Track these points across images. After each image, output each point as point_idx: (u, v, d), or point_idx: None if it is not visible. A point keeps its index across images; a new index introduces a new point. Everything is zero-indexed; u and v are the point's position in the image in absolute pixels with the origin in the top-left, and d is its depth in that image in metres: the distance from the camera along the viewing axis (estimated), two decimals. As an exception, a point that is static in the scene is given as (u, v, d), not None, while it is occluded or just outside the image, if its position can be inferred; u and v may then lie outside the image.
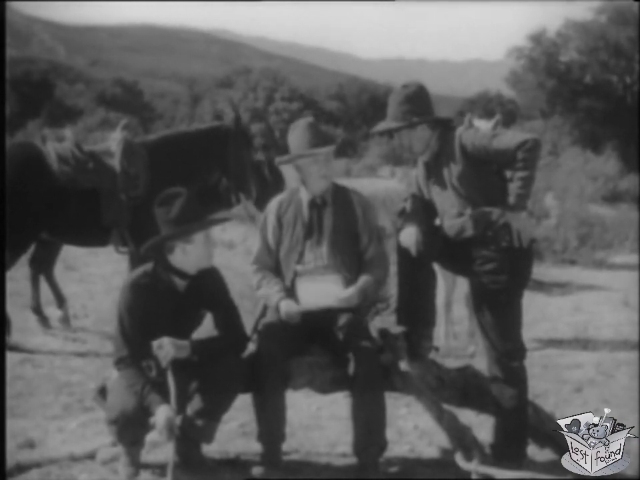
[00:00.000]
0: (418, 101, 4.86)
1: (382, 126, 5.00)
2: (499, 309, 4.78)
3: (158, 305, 4.64)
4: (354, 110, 56.54)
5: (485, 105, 50.78)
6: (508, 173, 4.76)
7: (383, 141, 36.23)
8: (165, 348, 4.53)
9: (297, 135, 5.00)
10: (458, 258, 4.91)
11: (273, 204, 5.15)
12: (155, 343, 4.54)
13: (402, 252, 4.98)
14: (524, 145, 4.59)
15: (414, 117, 4.83)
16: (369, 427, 4.78)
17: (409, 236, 4.91)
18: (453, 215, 4.86)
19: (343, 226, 5.01)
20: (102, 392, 4.88)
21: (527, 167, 4.62)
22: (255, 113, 42.86)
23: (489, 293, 4.79)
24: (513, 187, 4.68)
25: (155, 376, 4.63)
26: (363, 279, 4.93)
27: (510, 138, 4.67)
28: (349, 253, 5.00)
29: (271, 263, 5.09)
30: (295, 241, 5.00)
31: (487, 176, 4.78)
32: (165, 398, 4.46)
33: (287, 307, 4.86)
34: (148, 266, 4.73)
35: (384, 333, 5.07)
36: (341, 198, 5.09)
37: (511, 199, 4.68)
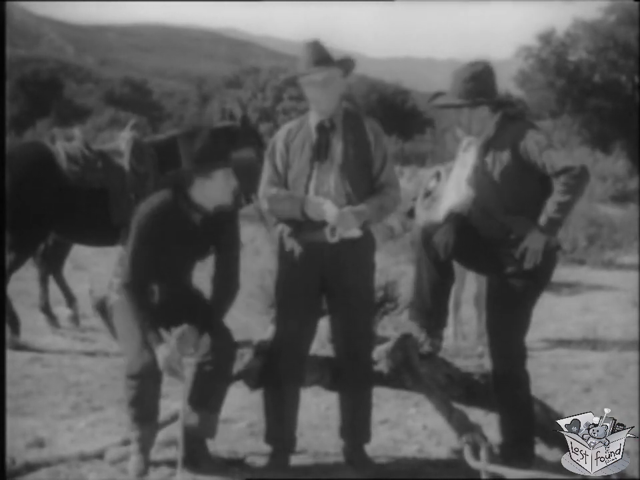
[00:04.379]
0: (483, 80, 4.75)
1: (443, 100, 4.88)
2: (512, 310, 4.75)
3: (172, 235, 4.69)
4: (362, 109, 56.54)
5: (494, 104, 50.56)
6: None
7: (391, 141, 36.22)
8: (187, 339, 4.60)
9: (303, 55, 4.75)
10: (481, 257, 4.86)
11: (282, 131, 4.94)
12: (177, 332, 4.60)
13: (425, 249, 4.92)
14: (570, 170, 4.48)
15: (478, 96, 4.71)
16: (353, 422, 4.94)
17: (444, 236, 4.85)
18: (486, 213, 4.78)
19: (353, 151, 4.78)
20: (101, 308, 4.94)
21: (568, 193, 4.50)
22: (264, 112, 42.83)
23: (505, 294, 4.75)
24: (549, 209, 4.56)
25: (156, 302, 4.71)
26: (362, 205, 4.72)
27: (559, 158, 4.55)
28: (359, 179, 4.78)
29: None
30: (303, 165, 4.79)
31: (530, 181, 4.66)
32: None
33: (315, 199, 4.70)
34: (167, 195, 4.77)
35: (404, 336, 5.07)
36: (352, 123, 4.85)
37: (542, 220, 4.59)
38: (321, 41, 4.81)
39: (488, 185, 4.72)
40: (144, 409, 4.70)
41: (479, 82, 4.72)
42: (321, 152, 4.78)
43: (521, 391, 4.87)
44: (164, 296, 4.82)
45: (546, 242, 4.64)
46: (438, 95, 4.94)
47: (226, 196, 4.74)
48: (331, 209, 4.65)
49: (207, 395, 4.74)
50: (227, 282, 4.86)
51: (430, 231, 4.94)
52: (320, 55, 4.72)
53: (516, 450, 4.84)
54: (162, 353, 4.50)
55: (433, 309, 5.01)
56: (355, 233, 4.74)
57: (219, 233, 4.81)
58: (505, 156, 4.66)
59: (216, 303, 4.86)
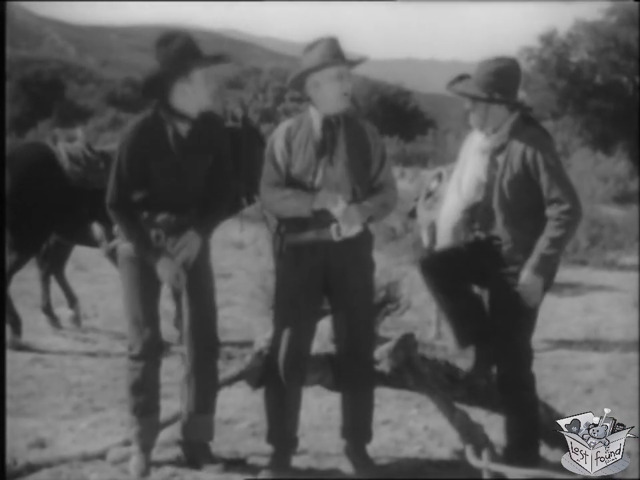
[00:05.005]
0: (506, 78, 4.66)
1: (461, 87, 4.78)
2: (516, 312, 4.70)
3: (159, 151, 4.64)
4: (364, 111, 56.46)
5: (495, 105, 50.49)
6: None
7: (393, 142, 36.22)
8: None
9: (318, 51, 4.68)
10: (483, 256, 4.80)
11: (280, 129, 4.86)
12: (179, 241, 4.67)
13: (429, 276, 4.88)
14: (560, 203, 4.43)
15: (496, 92, 4.61)
16: (354, 422, 4.93)
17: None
18: (489, 213, 4.73)
19: (355, 150, 4.75)
20: (112, 255, 4.98)
21: (560, 228, 4.45)
22: (265, 113, 42.84)
23: (509, 296, 4.69)
24: (540, 245, 4.50)
25: (161, 243, 4.70)
26: (366, 202, 4.72)
27: (558, 184, 4.47)
28: (361, 177, 4.75)
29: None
30: (307, 162, 4.72)
31: (537, 191, 4.56)
32: None
33: (327, 193, 4.68)
34: (148, 111, 4.72)
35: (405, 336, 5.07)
36: (352, 124, 4.81)
37: (533, 259, 4.52)
38: (337, 39, 4.77)
39: (495, 186, 4.67)
40: (144, 397, 4.73)
41: (500, 78, 4.63)
42: (326, 147, 4.72)
43: (527, 393, 4.83)
44: (172, 228, 4.72)
45: (542, 282, 4.59)
46: (461, 78, 4.84)
47: (207, 98, 4.71)
48: (342, 204, 4.64)
49: (198, 400, 4.78)
50: (218, 182, 4.85)
51: (428, 257, 4.97)
52: (338, 51, 4.70)
53: (521, 452, 4.79)
54: (162, 265, 4.60)
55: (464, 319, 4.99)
56: (357, 229, 4.73)
57: (208, 140, 4.76)
58: (515, 161, 4.58)
59: (209, 204, 4.83)
